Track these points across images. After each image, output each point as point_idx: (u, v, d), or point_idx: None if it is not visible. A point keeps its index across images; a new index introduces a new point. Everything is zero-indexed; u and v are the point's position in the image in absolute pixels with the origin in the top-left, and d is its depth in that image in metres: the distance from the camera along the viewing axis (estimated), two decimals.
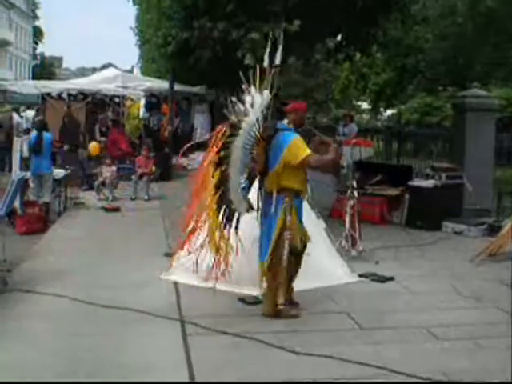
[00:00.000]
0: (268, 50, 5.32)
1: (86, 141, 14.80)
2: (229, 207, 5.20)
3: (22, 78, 48.81)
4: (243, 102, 5.15)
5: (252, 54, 9.02)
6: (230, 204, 5.20)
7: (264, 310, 5.30)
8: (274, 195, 5.20)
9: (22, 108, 17.65)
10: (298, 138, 5.22)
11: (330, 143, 5.41)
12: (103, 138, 15.10)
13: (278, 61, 5.31)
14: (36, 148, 9.67)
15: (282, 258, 5.18)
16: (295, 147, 5.15)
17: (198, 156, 18.11)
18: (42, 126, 10.03)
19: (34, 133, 10.16)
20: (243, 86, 5.14)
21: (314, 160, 5.18)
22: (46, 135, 9.85)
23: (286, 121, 5.37)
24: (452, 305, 5.66)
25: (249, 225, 6.09)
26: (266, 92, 5.19)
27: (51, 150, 10.03)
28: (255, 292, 5.71)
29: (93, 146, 14.05)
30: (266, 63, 5.28)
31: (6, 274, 6.31)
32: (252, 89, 5.14)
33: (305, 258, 5.48)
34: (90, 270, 6.70)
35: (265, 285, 5.36)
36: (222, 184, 5.10)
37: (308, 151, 5.15)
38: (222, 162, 5.07)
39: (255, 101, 5.13)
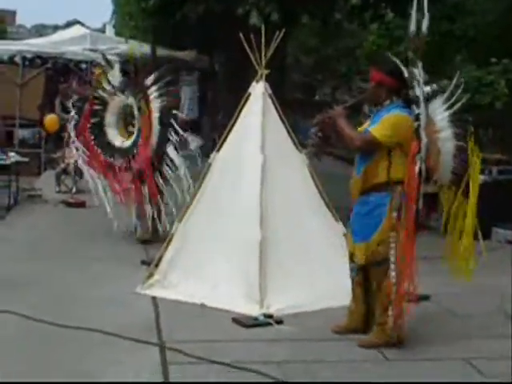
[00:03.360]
0: None
1: (45, 117, 14.79)
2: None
3: None
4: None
5: (258, 11, 9.00)
6: None
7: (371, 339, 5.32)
8: None
9: None
10: None
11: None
12: (65, 115, 15.07)
13: (425, 26, 5.30)
14: None
15: None
16: None
17: (188, 139, 18.14)
18: None
19: None
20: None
21: None
22: None
23: None
24: (500, 331, 5.68)
25: (244, 229, 6.17)
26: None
27: None
28: (254, 311, 5.74)
29: (50, 120, 13.89)
30: (412, 29, 5.28)
31: None
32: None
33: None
34: (44, 281, 6.72)
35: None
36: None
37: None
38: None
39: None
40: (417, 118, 5.14)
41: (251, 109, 6.57)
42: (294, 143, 6.70)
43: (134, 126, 8.48)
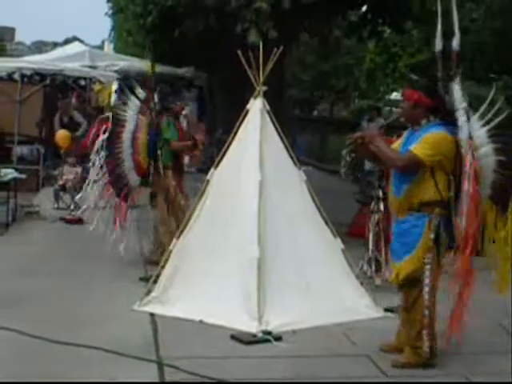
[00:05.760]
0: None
1: (43, 134, 14.82)
2: None
3: None
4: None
5: (256, 28, 9.05)
6: None
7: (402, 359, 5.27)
8: None
9: None
10: None
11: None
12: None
13: (456, 43, 5.28)
14: None
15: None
16: None
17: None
18: None
19: None
20: None
21: None
22: None
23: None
24: (499, 348, 5.67)
25: (242, 246, 6.17)
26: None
27: None
28: (253, 328, 5.73)
29: (61, 136, 13.72)
30: (437, 47, 5.27)
31: None
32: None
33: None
34: (42, 298, 6.70)
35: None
36: None
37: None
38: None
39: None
40: (470, 137, 5.09)
41: (249, 125, 6.59)
42: (292, 159, 6.71)
43: None
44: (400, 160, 5.23)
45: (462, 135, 5.11)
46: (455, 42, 5.32)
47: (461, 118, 5.13)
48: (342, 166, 5.69)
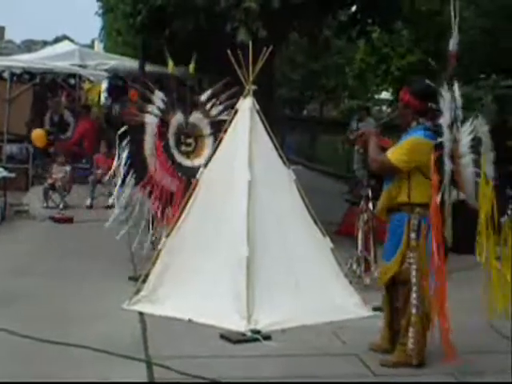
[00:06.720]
0: None
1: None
2: None
3: None
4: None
5: (246, 27, 9.05)
6: None
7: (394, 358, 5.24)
8: None
9: None
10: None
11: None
12: (55, 130, 15.06)
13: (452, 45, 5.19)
14: None
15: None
16: None
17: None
18: None
19: None
20: None
21: None
22: None
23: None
24: (490, 348, 5.68)
25: (231, 245, 6.17)
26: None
27: None
28: (242, 327, 5.73)
29: (37, 135, 13.76)
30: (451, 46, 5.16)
31: None
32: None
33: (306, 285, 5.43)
34: (32, 297, 6.68)
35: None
36: None
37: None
38: None
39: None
40: (440, 145, 4.98)
41: (239, 124, 6.58)
42: (282, 159, 6.71)
43: (188, 144, 7.85)
44: (375, 162, 5.31)
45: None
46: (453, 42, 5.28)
47: (443, 124, 5.03)
48: (356, 163, 5.71)
